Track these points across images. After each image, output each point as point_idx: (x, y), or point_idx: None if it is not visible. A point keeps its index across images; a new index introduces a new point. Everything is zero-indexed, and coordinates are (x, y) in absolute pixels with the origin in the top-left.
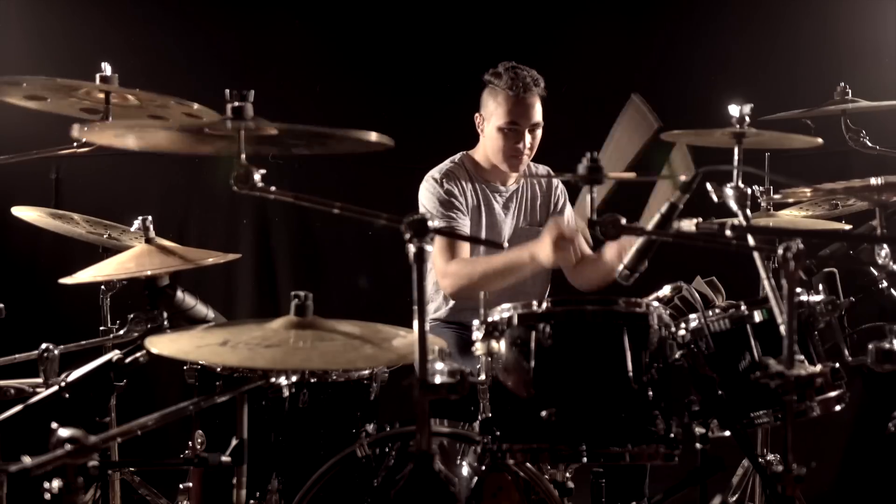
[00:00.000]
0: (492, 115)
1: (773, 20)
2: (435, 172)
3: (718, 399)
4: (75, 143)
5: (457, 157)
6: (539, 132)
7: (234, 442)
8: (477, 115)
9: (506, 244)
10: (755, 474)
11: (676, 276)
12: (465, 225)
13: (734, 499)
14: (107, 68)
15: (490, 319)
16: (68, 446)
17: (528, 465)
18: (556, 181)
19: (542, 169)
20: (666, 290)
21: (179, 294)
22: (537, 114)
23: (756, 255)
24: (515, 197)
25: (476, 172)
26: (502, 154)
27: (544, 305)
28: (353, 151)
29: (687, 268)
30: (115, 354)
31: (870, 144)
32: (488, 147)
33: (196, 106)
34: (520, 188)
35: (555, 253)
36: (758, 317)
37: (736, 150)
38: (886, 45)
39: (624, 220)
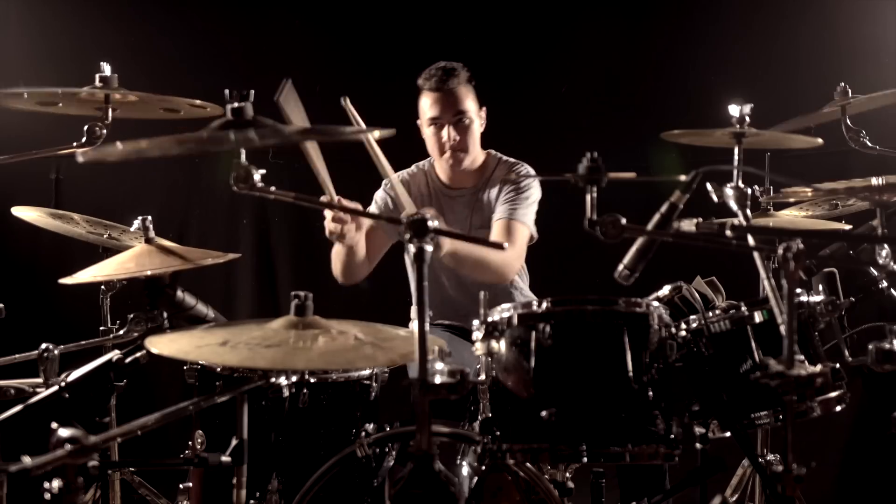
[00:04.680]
0: (421, 116)
1: (773, 21)
2: (386, 180)
3: (719, 399)
4: (75, 143)
5: (421, 162)
6: (468, 121)
7: (234, 442)
8: (418, 120)
9: (505, 245)
10: (755, 474)
11: (676, 276)
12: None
13: (734, 499)
14: (106, 69)
15: (490, 319)
16: (68, 446)
17: (528, 465)
18: (525, 171)
19: (509, 164)
20: (666, 290)
21: (179, 294)
22: (459, 103)
23: (756, 255)
24: (474, 197)
25: (435, 178)
26: (437, 152)
27: (544, 305)
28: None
29: (687, 268)
30: (115, 354)
31: (870, 144)
32: (428, 149)
33: (198, 102)
34: (478, 188)
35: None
36: (758, 317)
37: (736, 150)
38: (886, 45)
39: (624, 220)
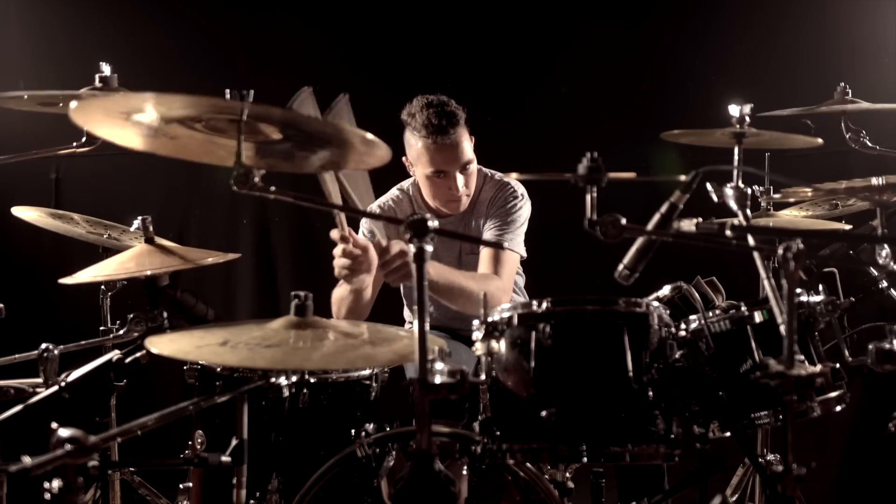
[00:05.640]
0: (417, 161)
1: (773, 20)
2: (372, 205)
3: (719, 400)
4: (75, 143)
5: (405, 184)
6: (472, 166)
7: (234, 442)
8: (404, 157)
9: (506, 244)
10: (755, 474)
11: (676, 276)
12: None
13: (734, 499)
14: (106, 69)
15: (490, 319)
16: (68, 446)
17: (528, 465)
18: (513, 190)
19: (496, 184)
20: (666, 290)
21: (179, 294)
22: (465, 153)
23: (756, 255)
24: (462, 223)
25: (421, 202)
26: (439, 200)
27: (544, 305)
28: (358, 168)
29: (687, 268)
30: (115, 354)
31: (870, 144)
32: (424, 192)
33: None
34: (466, 212)
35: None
36: (758, 317)
37: (736, 150)
38: (886, 45)
39: (624, 220)
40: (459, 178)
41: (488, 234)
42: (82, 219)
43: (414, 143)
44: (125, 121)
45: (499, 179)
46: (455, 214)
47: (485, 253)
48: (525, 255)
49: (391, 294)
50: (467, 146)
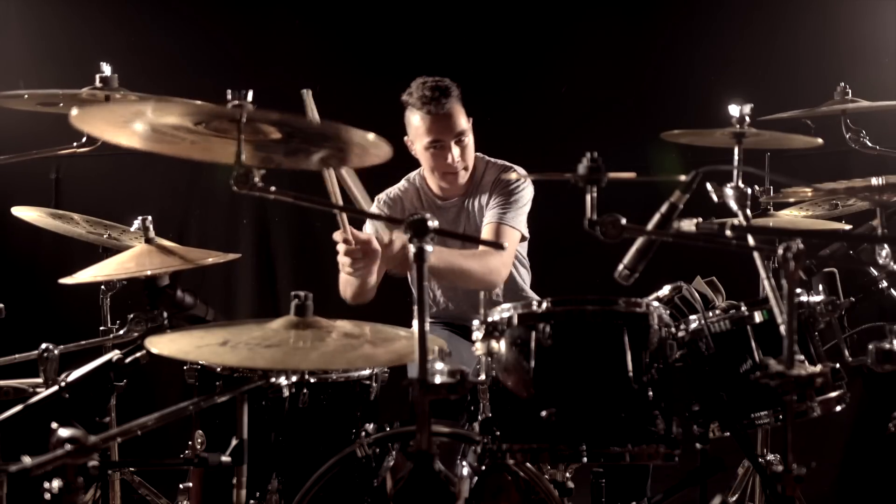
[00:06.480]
0: (416, 136)
1: (773, 20)
2: (381, 195)
3: (719, 400)
4: (75, 143)
5: (412, 174)
6: (467, 139)
7: (234, 442)
8: (405, 138)
9: (506, 244)
10: (755, 474)
11: (676, 276)
12: None
13: (734, 499)
14: (106, 69)
15: (490, 319)
16: (68, 446)
17: (528, 465)
18: (514, 174)
19: (498, 167)
20: (666, 290)
21: (179, 294)
22: (459, 123)
23: (756, 255)
24: (464, 205)
25: (427, 189)
26: (437, 172)
27: (544, 305)
28: (360, 166)
29: (687, 268)
30: (115, 354)
31: (870, 144)
32: (424, 167)
33: (198, 103)
34: (468, 195)
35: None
36: (758, 317)
37: (736, 150)
38: (886, 45)
39: (624, 220)
40: (455, 150)
41: (491, 212)
42: (82, 219)
43: (412, 120)
44: (125, 125)
45: (501, 164)
46: (457, 195)
47: (486, 230)
48: (527, 234)
49: (395, 293)
50: (462, 119)
